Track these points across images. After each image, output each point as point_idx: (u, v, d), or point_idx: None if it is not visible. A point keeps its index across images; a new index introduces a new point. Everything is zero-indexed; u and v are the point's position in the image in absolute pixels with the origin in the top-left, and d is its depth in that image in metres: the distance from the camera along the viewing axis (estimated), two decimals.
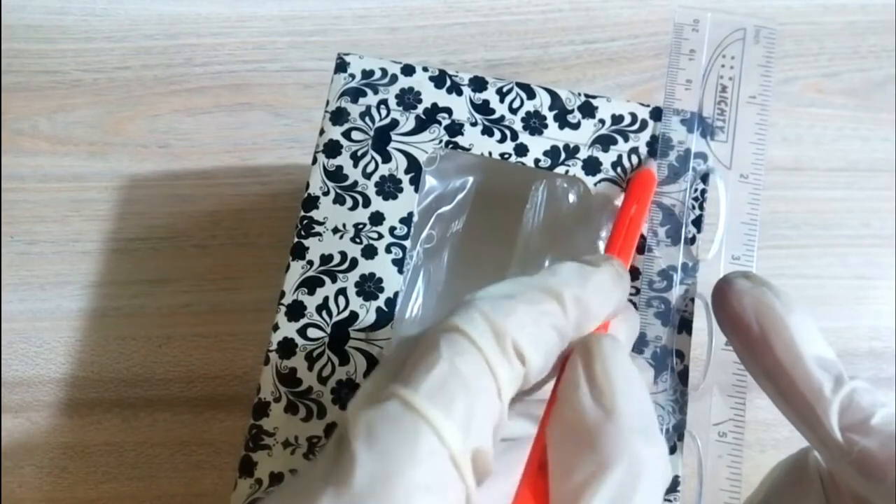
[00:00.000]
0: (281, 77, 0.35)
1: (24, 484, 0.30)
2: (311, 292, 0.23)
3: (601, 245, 0.24)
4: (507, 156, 0.24)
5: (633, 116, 0.24)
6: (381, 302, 0.23)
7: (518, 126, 0.24)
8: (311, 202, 0.23)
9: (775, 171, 0.34)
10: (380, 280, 0.23)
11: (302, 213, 0.23)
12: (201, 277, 0.32)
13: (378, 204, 0.23)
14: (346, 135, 0.24)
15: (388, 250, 0.23)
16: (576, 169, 0.24)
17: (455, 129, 0.24)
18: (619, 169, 0.24)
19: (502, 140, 0.24)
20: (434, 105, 0.24)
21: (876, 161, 0.34)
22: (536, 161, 0.24)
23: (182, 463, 0.30)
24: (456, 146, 0.24)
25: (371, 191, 0.23)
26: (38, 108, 0.34)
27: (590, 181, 0.24)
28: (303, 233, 0.23)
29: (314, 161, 0.24)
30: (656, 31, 0.36)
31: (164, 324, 0.32)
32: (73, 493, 0.30)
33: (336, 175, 0.23)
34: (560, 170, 0.24)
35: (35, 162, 0.34)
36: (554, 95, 0.24)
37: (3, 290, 0.32)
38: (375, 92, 0.24)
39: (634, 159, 0.24)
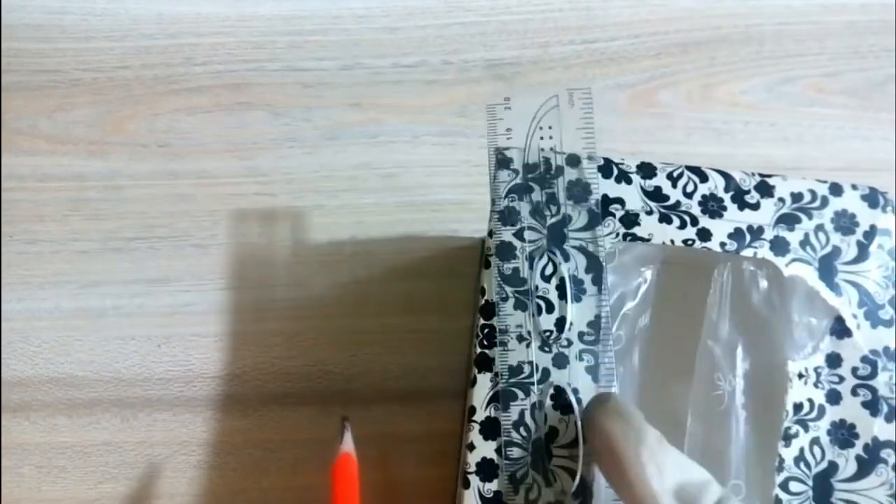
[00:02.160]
0: (281, 76, 0.35)
1: (22, 484, 0.30)
2: (505, 407, 0.21)
3: (796, 331, 0.23)
4: (690, 242, 0.23)
5: (813, 193, 0.23)
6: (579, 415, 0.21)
7: (696, 210, 0.23)
8: (490, 309, 0.22)
9: (776, 171, 0.34)
10: (575, 391, 0.22)
11: (482, 321, 0.22)
12: (201, 277, 0.32)
13: (561, 308, 0.22)
14: (519, 235, 0.23)
15: (579, 358, 0.22)
16: (763, 251, 0.23)
17: (630, 219, 0.23)
18: (807, 248, 0.23)
19: (682, 226, 0.23)
20: (605, 197, 0.23)
21: (876, 161, 0.34)
22: (722, 245, 0.23)
23: (182, 463, 0.30)
24: (634, 237, 0.23)
25: (553, 294, 0.22)
26: (38, 108, 0.34)
27: (780, 262, 0.23)
28: (485, 342, 0.22)
29: (487, 265, 0.23)
30: (656, 31, 0.36)
31: (163, 323, 0.32)
32: (73, 493, 0.30)
33: (512, 279, 0.22)
34: (747, 252, 0.23)
35: (34, 161, 0.34)
36: (727, 177, 0.24)
37: (2, 290, 0.32)
38: (542, 187, 0.23)
39: (822, 237, 0.23)
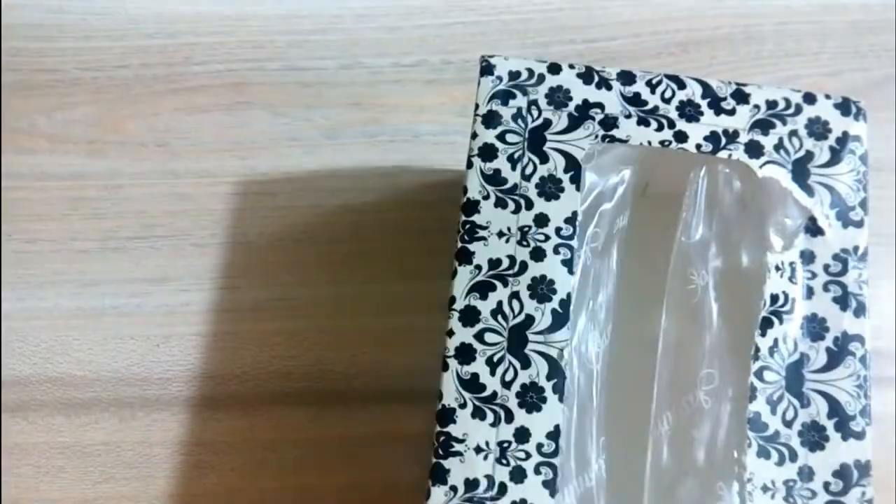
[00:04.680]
0: (280, 76, 0.35)
1: (21, 484, 0.30)
2: (484, 297, 0.22)
3: (769, 230, 0.24)
4: (667, 143, 0.24)
5: (787, 101, 0.24)
6: (555, 304, 0.22)
7: (673, 115, 0.24)
8: (472, 206, 0.23)
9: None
10: (552, 282, 0.23)
11: (463, 218, 0.23)
12: (200, 276, 0.32)
13: (541, 205, 0.23)
14: (501, 138, 0.24)
15: (556, 251, 0.23)
16: (738, 153, 0.24)
17: (609, 122, 0.24)
18: (781, 152, 0.24)
19: (659, 129, 0.24)
20: (585, 101, 0.24)
21: (876, 160, 0.34)
22: (698, 146, 0.24)
23: (180, 463, 0.30)
24: (613, 139, 0.24)
25: (532, 192, 0.23)
26: (38, 107, 0.34)
27: (754, 164, 0.24)
28: (466, 237, 0.23)
29: (470, 165, 0.24)
30: (657, 31, 0.36)
31: (162, 323, 0.32)
32: (71, 493, 0.30)
33: (494, 178, 0.23)
34: (722, 154, 0.24)
35: (34, 160, 0.34)
36: (705, 85, 0.24)
37: (1, 289, 0.32)
38: (525, 93, 0.24)
39: (796, 142, 0.24)
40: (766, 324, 0.23)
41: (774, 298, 0.23)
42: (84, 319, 0.32)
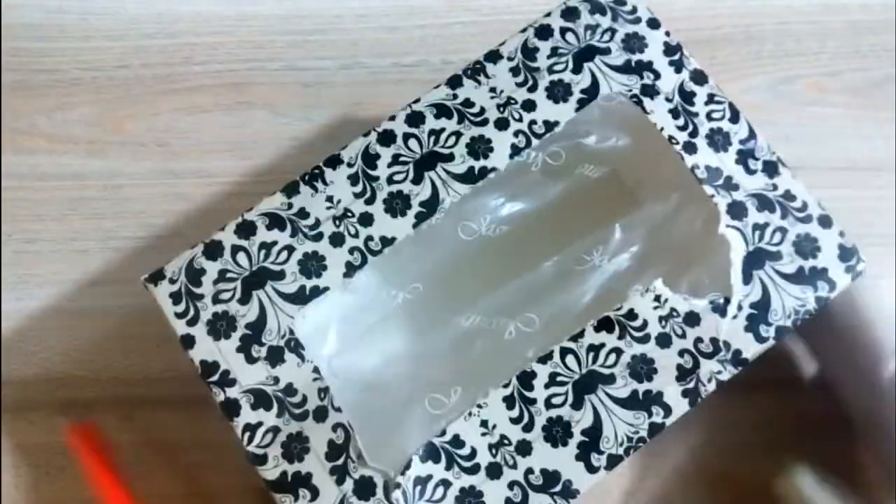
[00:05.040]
0: (280, 76, 0.35)
1: (21, 484, 0.30)
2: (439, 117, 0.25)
3: (688, 282, 0.23)
4: (674, 140, 0.24)
5: (805, 205, 0.24)
6: (481, 163, 0.24)
7: (703, 129, 0.24)
8: (496, 57, 0.25)
9: None
10: (491, 147, 0.24)
11: (483, 56, 0.25)
12: None
13: (540, 97, 0.24)
14: (562, 34, 0.25)
15: (515, 135, 0.24)
16: (721, 201, 0.23)
17: (650, 91, 0.24)
18: (756, 234, 0.23)
19: (682, 129, 0.24)
20: (650, 63, 0.24)
21: (877, 160, 0.34)
22: (695, 167, 0.24)
23: (181, 463, 0.30)
24: (639, 103, 0.24)
25: (544, 81, 0.25)
26: (37, 107, 0.34)
27: (724, 218, 0.23)
28: (470, 70, 0.25)
29: (524, 30, 0.26)
30: None
31: (162, 323, 0.32)
32: (71, 494, 0.30)
33: (531, 52, 0.25)
34: (708, 190, 0.23)
35: (34, 160, 0.34)
36: (752, 133, 0.24)
37: (1, 289, 0.32)
38: (614, 19, 0.25)
39: (777, 237, 0.23)
40: (604, 324, 0.22)
41: (632, 316, 0.22)
42: (84, 320, 0.32)
